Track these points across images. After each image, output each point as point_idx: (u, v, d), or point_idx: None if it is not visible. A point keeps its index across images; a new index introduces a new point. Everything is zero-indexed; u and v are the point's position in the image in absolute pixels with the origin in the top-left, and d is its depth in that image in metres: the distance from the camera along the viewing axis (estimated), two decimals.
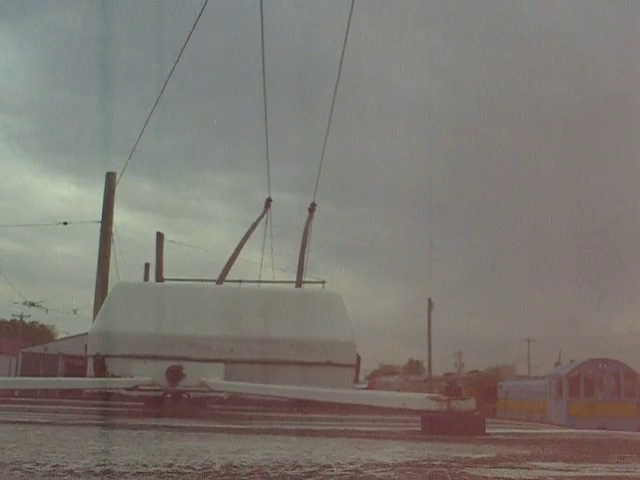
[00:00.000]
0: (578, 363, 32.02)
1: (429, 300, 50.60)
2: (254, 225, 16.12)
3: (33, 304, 23.86)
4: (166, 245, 23.60)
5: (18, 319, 60.68)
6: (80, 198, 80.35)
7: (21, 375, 36.84)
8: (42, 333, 64.75)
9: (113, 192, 21.66)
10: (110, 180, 21.52)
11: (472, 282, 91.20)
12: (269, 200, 16.33)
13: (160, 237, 23.83)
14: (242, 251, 15.47)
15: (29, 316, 58.47)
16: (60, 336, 72.26)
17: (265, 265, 18.10)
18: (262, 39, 8.55)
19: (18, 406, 8.21)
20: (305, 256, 15.77)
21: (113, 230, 21.09)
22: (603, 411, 28.02)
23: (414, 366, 76.73)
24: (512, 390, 36.63)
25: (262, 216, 16.34)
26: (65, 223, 25.29)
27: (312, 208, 16.13)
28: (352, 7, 8.21)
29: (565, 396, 30.07)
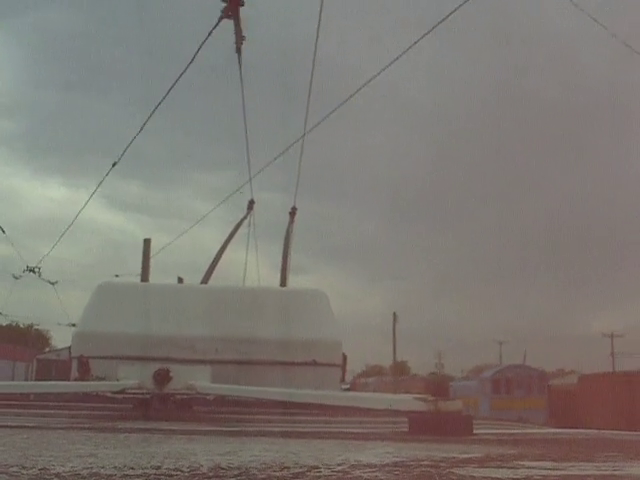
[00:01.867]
0: (500, 368, 41.86)
1: (394, 314, 52.81)
2: (237, 226, 16.15)
3: (32, 270, 23.96)
4: (157, 246, 23.84)
5: (13, 324, 61.06)
6: (69, 199, 79.94)
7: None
8: (37, 338, 64.47)
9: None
10: (146, 245, 23.26)
11: (458, 281, 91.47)
12: (252, 202, 16.35)
13: (147, 243, 23.96)
14: (227, 252, 15.49)
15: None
16: (55, 340, 72.19)
17: (250, 265, 18.11)
18: (238, 43, 8.49)
19: (6, 410, 8.16)
20: (288, 258, 15.82)
21: None
22: (519, 405, 35.21)
23: (399, 366, 77.08)
24: (457, 389, 43.11)
25: (245, 217, 16.38)
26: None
27: (293, 212, 16.16)
28: (322, 4, 8.10)
29: (489, 394, 37.97)
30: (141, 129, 10.21)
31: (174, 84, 9.20)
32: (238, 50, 8.49)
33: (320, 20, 8.36)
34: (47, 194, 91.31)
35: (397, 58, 9.21)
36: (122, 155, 11.25)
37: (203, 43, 8.24)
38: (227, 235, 16.11)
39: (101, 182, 12.98)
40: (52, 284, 27.14)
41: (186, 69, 8.84)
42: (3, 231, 20.81)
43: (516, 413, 31.56)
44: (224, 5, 7.69)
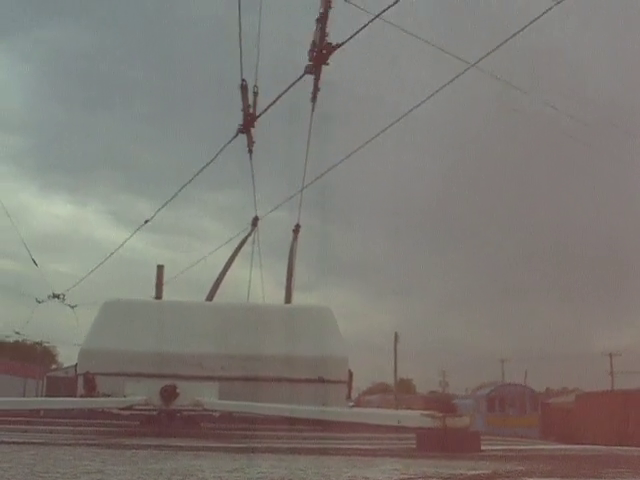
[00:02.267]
0: (495, 387, 43.39)
1: (395, 334, 53.16)
2: (242, 243, 16.16)
3: (57, 296, 24.07)
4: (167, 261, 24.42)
5: (20, 340, 61.30)
6: (75, 216, 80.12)
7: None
8: (44, 355, 64.50)
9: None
10: (159, 271, 23.90)
11: (464, 300, 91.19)
12: (256, 219, 16.36)
13: (160, 270, 24.24)
14: (232, 269, 15.49)
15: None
16: (61, 357, 72.24)
17: (255, 282, 18.15)
18: (240, 54, 8.70)
19: (13, 426, 8.16)
20: (293, 276, 15.84)
21: None
22: (513, 422, 36.13)
23: (404, 384, 77.31)
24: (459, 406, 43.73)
25: (250, 234, 16.39)
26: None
27: (296, 229, 16.17)
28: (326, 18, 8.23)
29: (484, 411, 38.84)
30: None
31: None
32: (314, 99, 9.74)
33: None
34: (53, 210, 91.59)
35: (418, 105, 9.56)
36: (154, 214, 11.93)
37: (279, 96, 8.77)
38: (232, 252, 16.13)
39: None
40: (72, 307, 27.36)
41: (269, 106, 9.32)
42: (35, 263, 21.02)
43: (510, 430, 32.08)
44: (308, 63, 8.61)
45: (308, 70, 8.71)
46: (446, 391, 62.09)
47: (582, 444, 10.63)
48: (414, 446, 5.70)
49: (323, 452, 5.25)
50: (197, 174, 10.70)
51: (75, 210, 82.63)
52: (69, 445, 5.61)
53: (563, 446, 9.10)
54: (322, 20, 8.09)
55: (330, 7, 7.99)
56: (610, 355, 56.16)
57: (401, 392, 61.18)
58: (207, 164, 10.59)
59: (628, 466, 4.72)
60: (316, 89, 9.44)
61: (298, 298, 16.03)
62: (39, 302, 26.12)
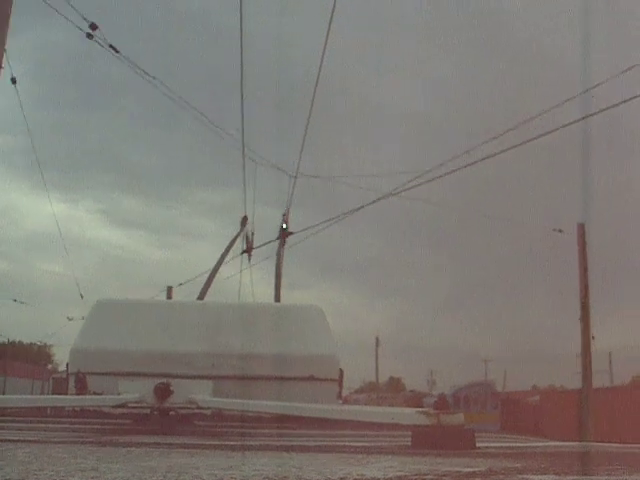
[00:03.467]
0: (460, 386, 46.81)
1: (376, 338, 55.50)
2: (232, 242, 16.25)
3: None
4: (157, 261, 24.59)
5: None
6: (67, 215, 79.68)
7: None
8: (40, 355, 64.54)
9: None
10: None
11: (454, 301, 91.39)
12: (245, 218, 16.45)
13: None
14: (222, 267, 15.58)
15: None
16: (57, 357, 72.25)
17: (246, 281, 18.31)
18: (241, 57, 8.77)
19: (7, 424, 8.14)
20: (280, 276, 15.99)
21: None
22: (475, 419, 37.91)
23: (394, 383, 78.54)
24: (426, 405, 47.62)
25: (239, 234, 16.47)
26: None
27: (282, 232, 16.27)
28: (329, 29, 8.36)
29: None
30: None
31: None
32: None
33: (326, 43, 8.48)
34: (46, 209, 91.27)
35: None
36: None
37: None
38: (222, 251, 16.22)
39: None
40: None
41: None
42: (81, 296, 21.27)
43: (474, 425, 35.33)
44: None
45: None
46: (433, 389, 64.01)
47: (541, 437, 11.09)
48: (409, 443, 5.70)
49: (318, 449, 5.25)
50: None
51: (66, 209, 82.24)
52: (63, 443, 5.60)
53: (558, 443, 9.12)
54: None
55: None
56: (577, 356, 59.15)
57: (391, 391, 65.32)
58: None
59: (622, 463, 4.73)
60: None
61: (290, 296, 16.19)
62: (70, 319, 26.17)
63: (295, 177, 14.16)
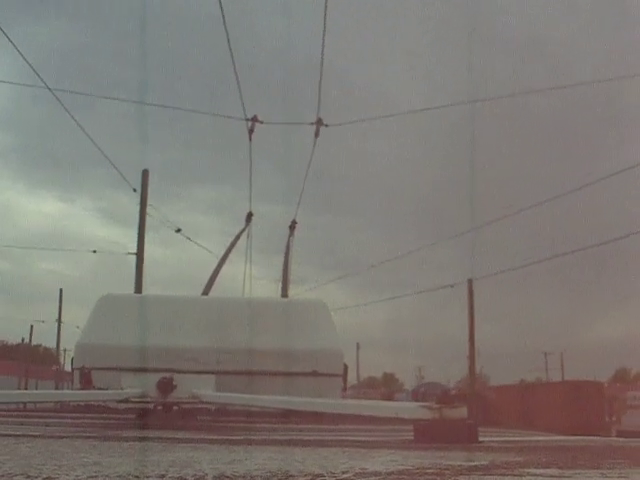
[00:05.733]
0: (419, 384, 56.68)
1: (357, 344, 58.34)
2: (236, 238, 16.21)
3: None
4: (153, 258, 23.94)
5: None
6: (64, 213, 79.35)
7: None
8: (46, 356, 64.66)
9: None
10: None
11: (451, 296, 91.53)
12: (250, 214, 16.40)
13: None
14: (227, 264, 15.55)
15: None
16: (61, 356, 72.29)
17: (250, 278, 18.30)
18: (230, 50, 8.79)
19: (10, 419, 8.15)
20: (288, 271, 15.92)
21: None
22: None
23: (388, 378, 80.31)
24: (397, 399, 51.99)
25: (244, 230, 16.44)
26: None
27: (292, 226, 16.21)
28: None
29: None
30: None
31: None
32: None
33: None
34: (41, 208, 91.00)
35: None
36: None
37: None
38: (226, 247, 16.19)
39: None
40: None
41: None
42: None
43: None
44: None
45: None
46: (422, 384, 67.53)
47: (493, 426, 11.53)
48: (412, 437, 5.70)
49: (320, 444, 5.25)
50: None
51: (63, 207, 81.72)
52: (66, 437, 5.60)
53: (561, 437, 9.12)
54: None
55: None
56: (545, 354, 63.85)
57: (386, 386, 70.15)
58: None
59: (625, 457, 4.72)
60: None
61: (294, 292, 16.14)
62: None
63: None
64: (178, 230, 20.08)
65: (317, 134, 12.74)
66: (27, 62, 9.63)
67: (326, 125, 12.74)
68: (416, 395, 50.71)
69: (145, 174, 21.72)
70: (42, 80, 11.26)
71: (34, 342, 64.21)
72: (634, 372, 62.36)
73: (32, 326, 59.37)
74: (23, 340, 61.27)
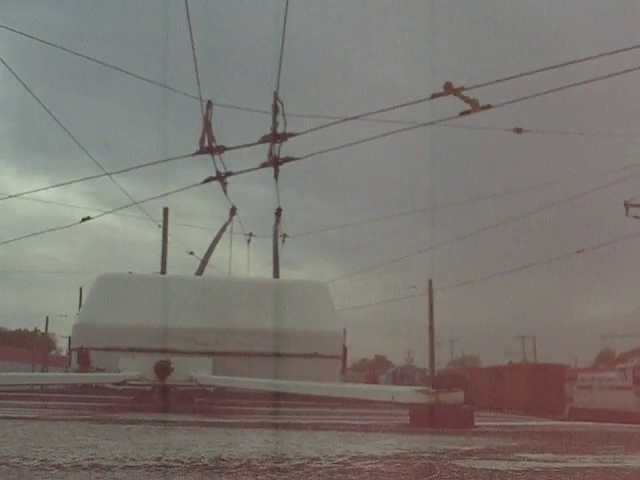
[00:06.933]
0: (397, 367, 64.10)
1: (344, 329, 61.49)
2: (221, 231, 16.46)
3: None
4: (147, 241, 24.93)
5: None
6: (57, 198, 79.16)
7: None
8: (44, 341, 64.85)
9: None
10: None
11: (444, 279, 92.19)
12: (234, 208, 16.53)
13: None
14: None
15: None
16: (59, 343, 72.63)
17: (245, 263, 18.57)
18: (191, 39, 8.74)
19: (6, 401, 8.16)
20: (278, 255, 16.10)
21: None
22: None
23: (380, 360, 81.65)
24: (380, 381, 58.33)
25: (227, 223, 16.65)
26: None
27: (278, 212, 16.31)
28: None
29: (390, 383, 51.54)
30: None
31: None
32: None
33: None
34: (34, 193, 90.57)
35: None
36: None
37: None
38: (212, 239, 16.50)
39: None
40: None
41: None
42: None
43: None
44: None
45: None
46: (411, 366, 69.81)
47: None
48: (407, 422, 5.72)
49: (316, 427, 5.26)
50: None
51: (57, 193, 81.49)
52: (63, 420, 5.61)
53: (556, 422, 9.16)
54: None
55: None
56: (522, 337, 70.32)
57: (378, 368, 75.56)
58: None
59: (619, 442, 4.74)
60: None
61: (287, 274, 16.31)
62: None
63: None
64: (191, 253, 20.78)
65: None
66: None
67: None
68: (395, 377, 58.33)
69: (166, 211, 22.52)
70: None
71: (30, 329, 64.89)
72: (618, 353, 65.41)
73: (47, 317, 60.03)
74: (36, 329, 61.99)
